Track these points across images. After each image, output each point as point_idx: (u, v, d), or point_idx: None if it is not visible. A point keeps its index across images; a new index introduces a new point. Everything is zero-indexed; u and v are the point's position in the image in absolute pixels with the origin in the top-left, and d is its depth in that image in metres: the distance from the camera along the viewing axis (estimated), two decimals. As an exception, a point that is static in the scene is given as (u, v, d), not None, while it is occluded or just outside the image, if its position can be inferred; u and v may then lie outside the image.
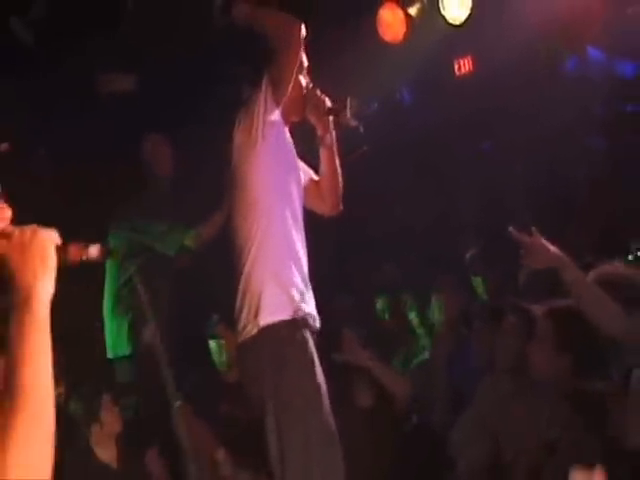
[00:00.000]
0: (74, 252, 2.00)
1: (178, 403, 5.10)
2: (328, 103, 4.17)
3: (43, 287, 1.83)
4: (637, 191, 7.55)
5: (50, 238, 1.91)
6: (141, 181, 6.24)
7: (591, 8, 7.13)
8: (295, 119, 4.18)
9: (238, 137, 3.95)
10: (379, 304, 6.89)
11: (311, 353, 3.78)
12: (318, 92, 4.15)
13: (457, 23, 7.47)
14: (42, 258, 1.85)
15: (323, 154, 4.22)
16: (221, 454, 5.06)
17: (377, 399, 5.30)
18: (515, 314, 4.71)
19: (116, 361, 6.20)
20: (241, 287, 3.85)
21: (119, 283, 6.15)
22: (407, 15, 7.71)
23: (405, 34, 7.72)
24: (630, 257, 6.19)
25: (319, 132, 4.21)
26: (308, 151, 4.30)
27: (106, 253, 2.13)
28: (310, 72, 4.20)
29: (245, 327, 3.81)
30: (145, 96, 6.76)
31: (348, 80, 8.30)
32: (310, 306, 3.86)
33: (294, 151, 4.10)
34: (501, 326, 4.74)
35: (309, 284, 3.91)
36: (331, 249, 8.48)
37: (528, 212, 8.11)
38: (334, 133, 4.21)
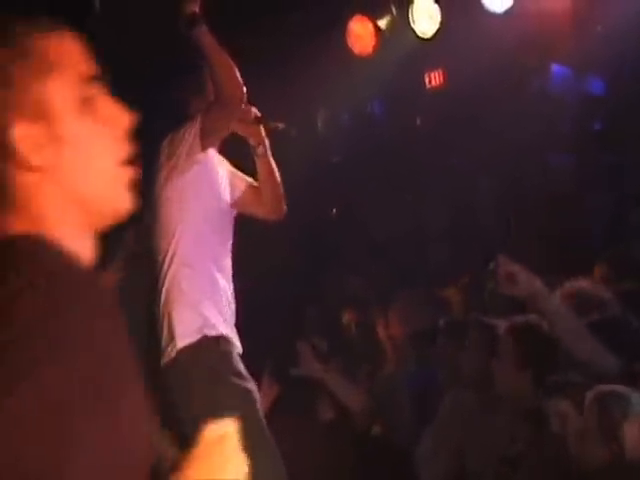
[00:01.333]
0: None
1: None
2: (255, 112, 4.17)
3: None
4: (601, 208, 7.60)
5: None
6: None
7: (561, 25, 7.16)
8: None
9: (161, 166, 3.99)
10: (345, 317, 6.87)
11: (237, 368, 3.81)
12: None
13: (427, 36, 7.49)
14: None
15: (259, 163, 4.23)
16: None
17: (338, 413, 5.28)
18: (479, 330, 4.71)
19: None
20: (159, 312, 3.90)
21: None
22: (377, 28, 7.72)
23: (375, 47, 7.73)
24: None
25: (252, 142, 4.21)
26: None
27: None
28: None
29: (165, 350, 3.86)
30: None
31: (318, 92, 8.32)
32: (227, 329, 3.89)
33: (218, 180, 4.11)
34: (465, 342, 4.74)
35: (231, 308, 3.95)
36: (299, 261, 8.47)
37: (496, 227, 8.14)
38: (267, 141, 4.21)
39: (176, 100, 4.20)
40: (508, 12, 7.13)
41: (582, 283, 4.69)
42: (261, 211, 4.31)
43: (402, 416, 5.23)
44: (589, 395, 3.44)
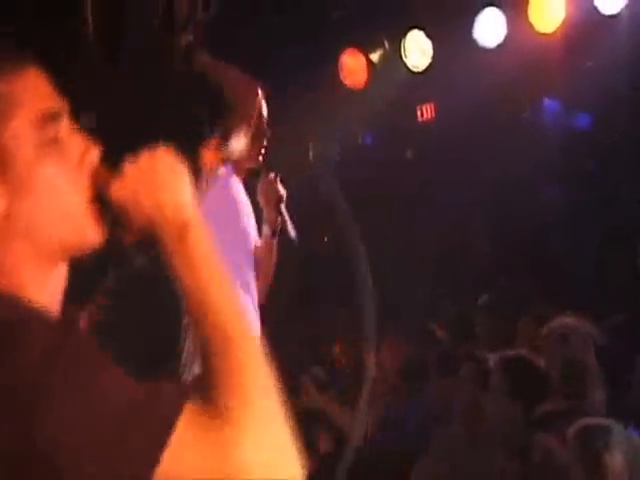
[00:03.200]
0: (209, 157, 1.63)
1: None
2: (281, 198, 4.11)
3: (191, 214, 1.46)
4: (590, 241, 7.64)
5: (171, 154, 1.48)
6: None
7: (551, 60, 7.23)
8: (250, 166, 4.15)
9: None
10: (336, 348, 6.88)
11: None
12: (278, 182, 4.11)
13: (418, 70, 7.55)
14: (173, 181, 1.46)
15: (262, 240, 4.18)
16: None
17: (336, 444, 5.27)
18: (471, 363, 4.72)
19: None
20: (184, 325, 3.86)
21: None
22: (369, 61, 7.78)
23: (367, 80, 7.79)
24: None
25: (264, 217, 4.16)
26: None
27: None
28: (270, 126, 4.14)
29: (185, 365, 3.82)
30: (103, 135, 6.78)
31: (310, 124, 8.37)
32: None
33: (242, 201, 4.07)
34: (456, 376, 4.75)
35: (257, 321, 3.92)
36: (291, 292, 8.47)
37: (486, 260, 8.17)
38: (277, 231, 4.13)
39: (193, 122, 4.18)
40: (500, 47, 7.19)
41: (568, 319, 4.72)
42: None
43: (396, 448, 5.23)
44: (572, 428, 3.46)
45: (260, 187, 4.10)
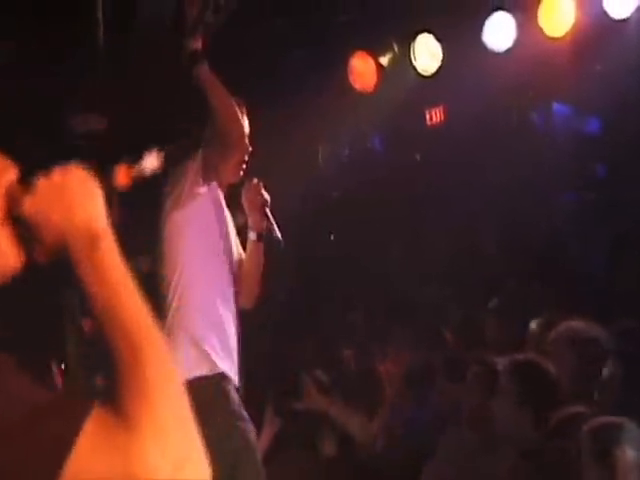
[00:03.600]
0: (121, 174, 1.69)
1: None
2: (265, 202, 4.15)
3: (102, 225, 1.49)
4: (600, 245, 7.62)
5: (83, 171, 1.53)
6: None
7: (561, 64, 7.21)
8: (232, 182, 4.19)
9: (167, 196, 3.99)
10: (346, 353, 6.87)
11: (233, 408, 3.81)
12: (259, 186, 4.14)
13: (428, 74, 7.54)
14: (85, 195, 1.50)
15: (249, 247, 4.19)
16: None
17: (341, 447, 5.27)
18: (479, 367, 4.71)
19: None
20: None
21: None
22: (378, 65, 7.77)
23: (376, 83, 7.78)
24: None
25: (249, 223, 4.19)
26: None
27: (167, 159, 1.71)
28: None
29: None
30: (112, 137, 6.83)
31: (319, 127, 8.37)
32: (227, 367, 3.89)
33: (224, 218, 4.09)
34: (464, 379, 4.74)
35: (233, 350, 3.94)
36: (299, 294, 8.48)
37: (496, 264, 8.15)
38: (263, 233, 4.15)
39: (181, 129, 4.22)
40: (509, 51, 7.18)
41: (575, 323, 4.71)
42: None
43: (402, 451, 5.22)
44: (584, 428, 3.46)
45: (244, 194, 4.14)
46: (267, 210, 4.14)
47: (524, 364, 4.18)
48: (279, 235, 4.13)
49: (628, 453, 3.33)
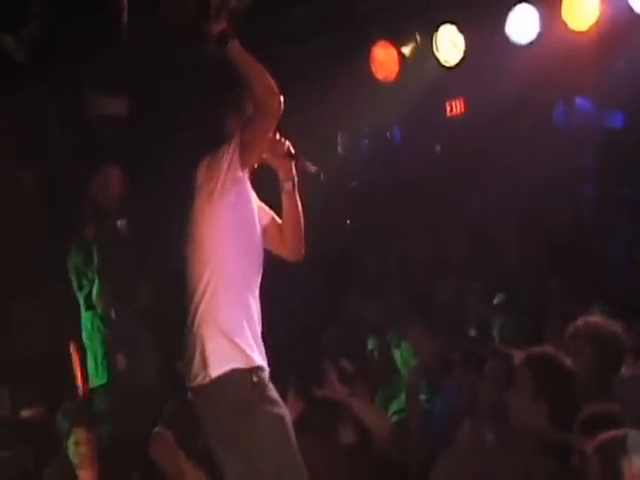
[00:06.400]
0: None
1: (157, 430, 5.07)
2: (288, 147, 4.13)
3: None
4: (621, 240, 7.59)
5: None
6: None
7: (584, 59, 7.19)
8: (263, 161, 4.17)
9: (199, 189, 3.96)
10: (370, 343, 6.86)
11: (270, 395, 3.82)
12: (277, 136, 4.11)
13: (450, 65, 7.52)
14: None
15: (285, 199, 4.16)
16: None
17: (359, 437, 5.26)
18: (496, 360, 4.70)
19: (94, 390, 6.24)
20: (191, 337, 3.88)
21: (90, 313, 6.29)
22: (400, 54, 7.76)
23: (398, 73, 7.77)
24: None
25: (280, 176, 4.17)
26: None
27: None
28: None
29: (197, 376, 3.85)
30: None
31: (340, 116, 8.36)
32: (259, 356, 3.89)
33: (253, 203, 4.08)
34: (482, 372, 4.73)
35: (261, 342, 3.95)
36: (322, 286, 8.46)
37: (516, 256, 8.13)
38: (296, 179, 4.15)
39: (214, 120, 4.19)
40: (532, 44, 7.16)
41: (594, 318, 4.70)
42: (280, 249, 4.23)
43: (418, 443, 5.22)
44: (591, 446, 3.44)
45: (266, 152, 4.09)
46: (292, 151, 4.12)
47: (540, 358, 4.16)
48: (313, 169, 4.12)
49: (634, 461, 3.31)
